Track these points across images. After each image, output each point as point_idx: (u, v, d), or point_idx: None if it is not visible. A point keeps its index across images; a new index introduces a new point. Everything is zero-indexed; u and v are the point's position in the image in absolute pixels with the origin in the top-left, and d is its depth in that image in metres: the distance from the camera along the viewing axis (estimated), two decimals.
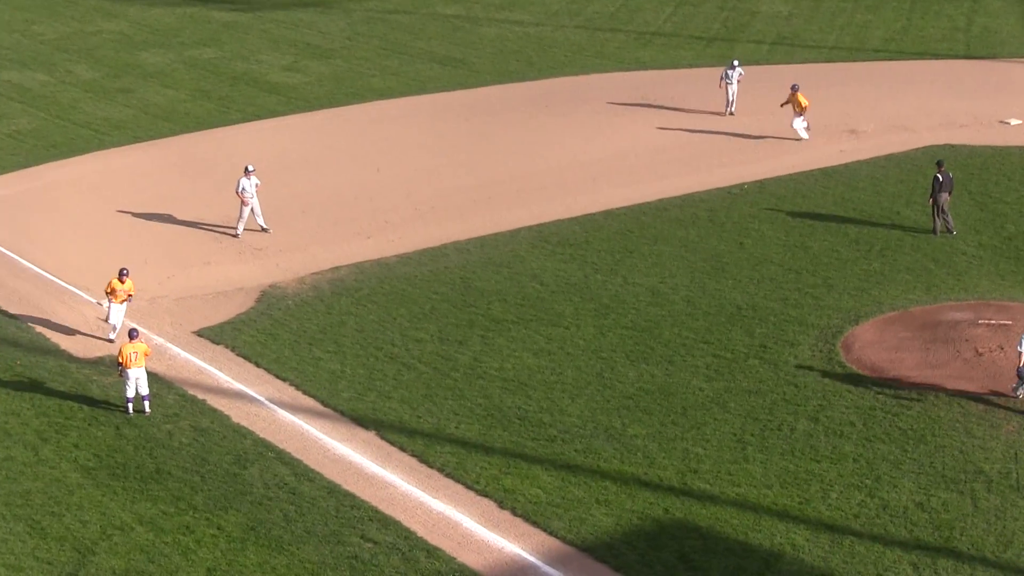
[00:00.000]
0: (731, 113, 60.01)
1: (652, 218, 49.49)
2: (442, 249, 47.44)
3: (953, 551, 29.53)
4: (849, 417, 35.29)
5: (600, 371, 38.42)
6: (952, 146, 55.51)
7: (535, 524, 31.40)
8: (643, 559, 29.93)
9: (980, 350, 37.83)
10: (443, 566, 30.00)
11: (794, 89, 56.26)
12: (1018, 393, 35.26)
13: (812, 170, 53.47)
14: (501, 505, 32.24)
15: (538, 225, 49.21)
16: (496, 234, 48.58)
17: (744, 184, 52.33)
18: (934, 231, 46.55)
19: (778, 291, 43.04)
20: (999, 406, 35.33)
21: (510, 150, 57.73)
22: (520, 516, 31.76)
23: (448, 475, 33.49)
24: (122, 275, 40.37)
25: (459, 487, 32.97)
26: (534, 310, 42.42)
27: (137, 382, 36.08)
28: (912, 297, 42.19)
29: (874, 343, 39.24)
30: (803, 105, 55.94)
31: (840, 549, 29.96)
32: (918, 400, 35.91)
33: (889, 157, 54.69)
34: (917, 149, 55.46)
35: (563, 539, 30.82)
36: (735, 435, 34.74)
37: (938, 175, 46.47)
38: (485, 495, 32.65)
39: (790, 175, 53.08)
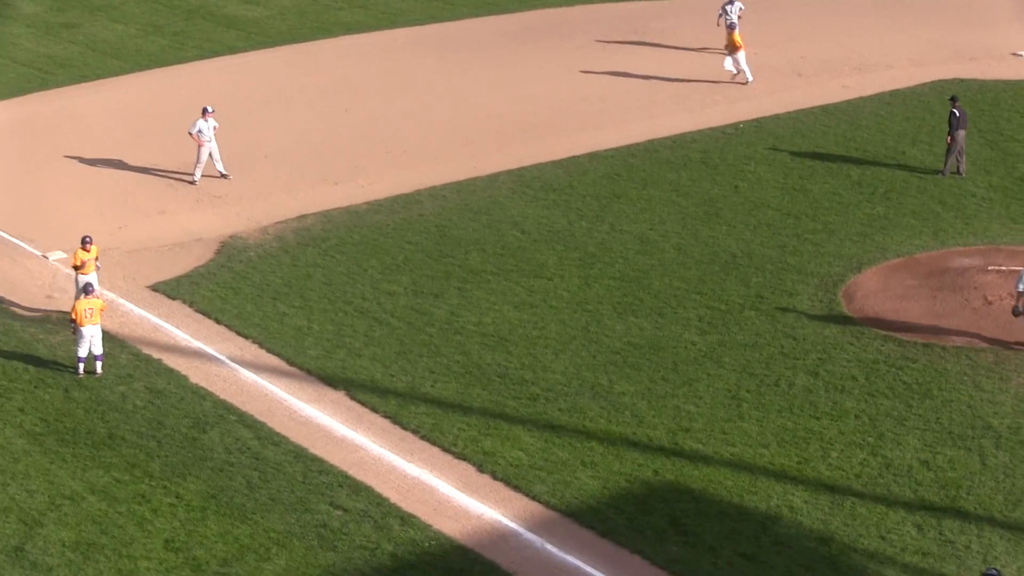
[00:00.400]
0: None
1: (641, 160, 49.60)
2: (416, 195, 47.47)
3: (959, 511, 29.87)
4: (851, 371, 35.57)
5: (586, 325, 38.63)
6: (962, 80, 55.61)
7: (516, 488, 31.65)
8: (632, 524, 30.23)
9: (990, 298, 38.13)
10: (418, 534, 30.25)
11: (731, 28, 56.04)
12: None
13: (812, 107, 53.58)
14: (480, 468, 32.48)
15: (519, 169, 49.23)
16: (474, 179, 48.60)
17: (740, 123, 52.45)
18: (943, 171, 46.77)
19: (775, 238, 43.25)
20: (1009, 357, 35.64)
21: (488, 89, 57.68)
22: (500, 480, 32.01)
23: (423, 437, 33.72)
24: (85, 243, 39.17)
25: (435, 450, 33.20)
26: (515, 260, 42.57)
27: (91, 341, 36.22)
28: (918, 243, 42.44)
29: (877, 292, 39.51)
30: (738, 45, 55.70)
31: (840, 511, 30.28)
32: (924, 352, 36.20)
33: (894, 93, 54.81)
34: (924, 84, 55.58)
35: (546, 504, 31.09)
36: (729, 391, 35.01)
37: (954, 110, 46.63)
38: (463, 458, 32.88)
39: (788, 113, 53.19)
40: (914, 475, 31.30)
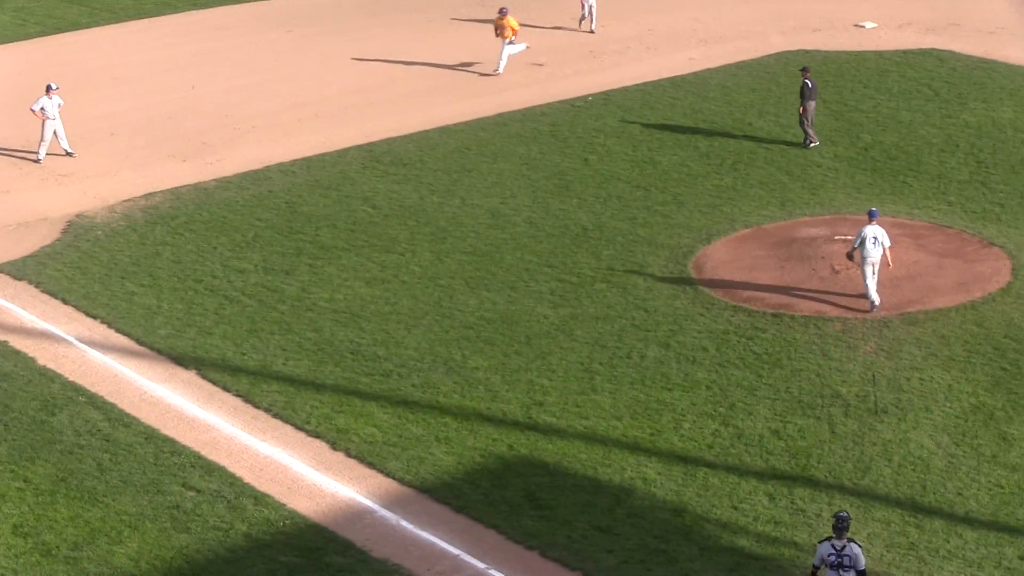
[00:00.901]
0: (591, 31, 59.33)
1: (491, 134, 49.59)
2: (265, 172, 47.13)
3: (810, 479, 30.20)
4: (702, 342, 35.83)
5: (438, 300, 38.54)
6: (806, 51, 56.27)
7: (371, 465, 31.51)
8: (487, 498, 30.21)
9: (836, 267, 38.57)
10: (272, 513, 29.99)
11: (502, 12, 54.93)
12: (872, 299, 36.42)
13: (660, 80, 53.91)
14: (334, 446, 32.29)
15: (368, 144, 49.06)
16: (323, 154, 48.36)
17: (588, 96, 52.61)
18: (808, 141, 47.17)
19: (626, 210, 43.44)
20: (857, 326, 36.11)
21: (337, 63, 57.36)
22: (354, 457, 31.84)
23: (276, 415, 33.44)
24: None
25: (288, 428, 32.94)
26: (366, 236, 42.37)
27: None
28: (766, 213, 42.85)
29: (727, 263, 39.82)
30: (514, 29, 54.74)
31: (693, 481, 30.48)
32: (773, 322, 36.56)
33: (740, 64, 55.33)
34: (769, 55, 56.17)
35: (401, 480, 30.97)
36: (582, 364, 35.10)
37: (806, 81, 47.06)
38: (316, 436, 32.67)
39: (637, 86, 53.46)
40: (765, 445, 31.60)
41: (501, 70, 54.91)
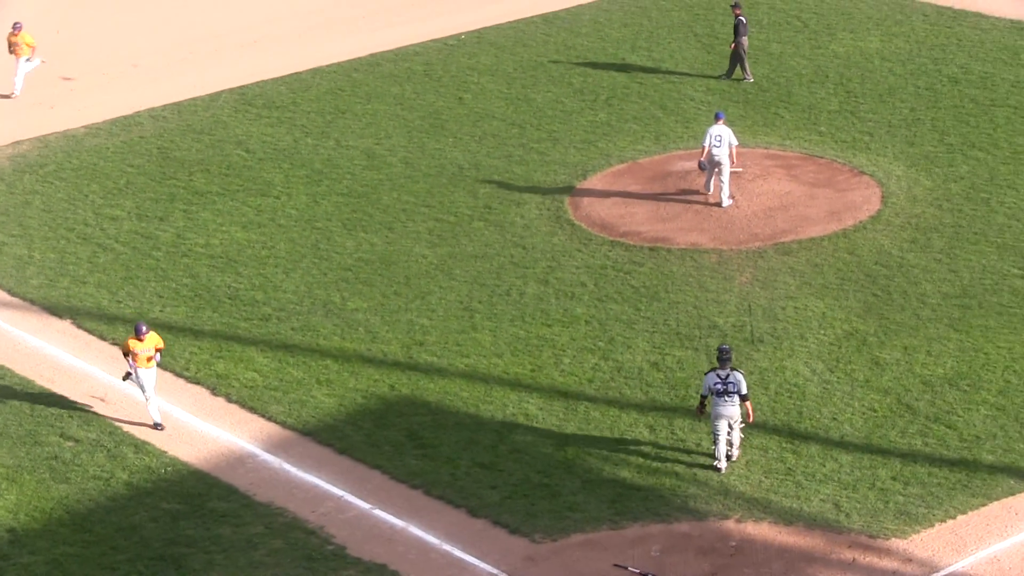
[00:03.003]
0: None
1: (364, 75, 49.36)
2: (135, 117, 46.65)
3: (689, 410, 30.50)
4: (580, 278, 36.03)
5: (315, 242, 38.42)
6: None
7: (252, 410, 31.46)
8: (369, 439, 30.27)
9: (711, 200, 38.91)
10: (153, 461, 29.88)
11: (16, 28, 48.13)
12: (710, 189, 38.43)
13: (533, 17, 53.80)
14: (214, 392, 32.19)
15: (240, 87, 48.66)
16: (194, 99, 47.90)
17: (461, 35, 52.46)
18: (735, 76, 47.28)
19: (501, 148, 43.47)
20: (732, 258, 36.49)
21: (206, 3, 56.73)
22: (235, 402, 31.78)
23: None
24: (140, 333, 30.82)
25: (167, 375, 32.70)
26: (240, 180, 42.10)
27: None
28: (641, 148, 43.06)
29: (603, 198, 40.01)
30: (31, 45, 48.23)
31: (575, 416, 30.73)
32: (650, 256, 36.83)
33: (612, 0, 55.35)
34: None
35: (283, 424, 30.96)
36: (462, 303, 35.19)
37: (741, 18, 47.00)
38: (196, 382, 32.56)
39: (510, 23, 53.35)
40: (644, 377, 31.89)
41: (19, 92, 48.49)
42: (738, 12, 47.36)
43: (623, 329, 33.74)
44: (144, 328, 30.85)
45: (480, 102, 46.83)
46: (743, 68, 47.31)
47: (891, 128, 43.34)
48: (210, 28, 54.33)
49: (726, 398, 28.45)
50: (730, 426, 28.70)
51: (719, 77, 47.49)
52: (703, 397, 28.75)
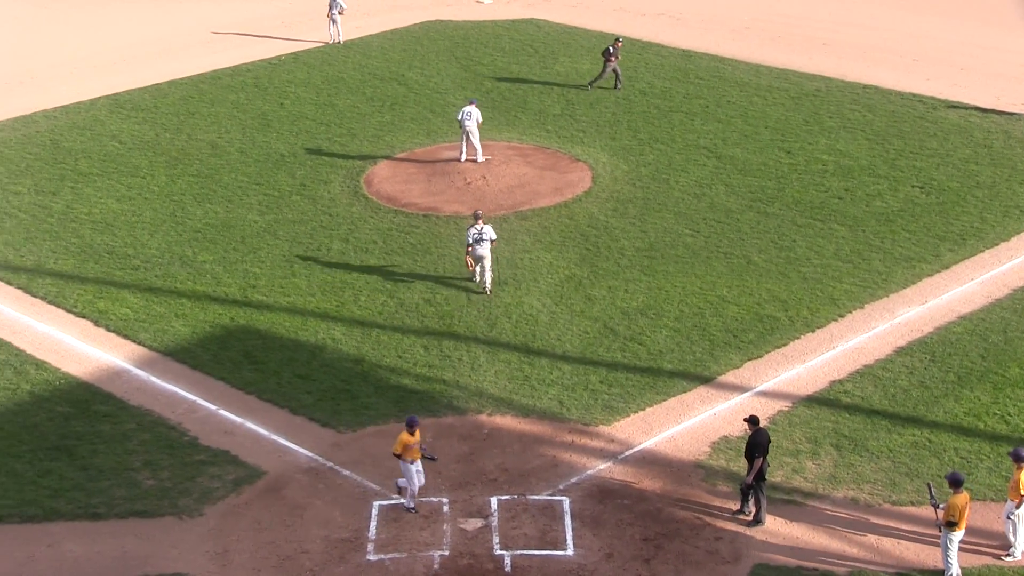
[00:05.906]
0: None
1: (209, 86, 48.30)
2: (32, 117, 45.11)
3: (454, 334, 30.69)
4: (372, 237, 35.87)
5: (173, 211, 37.58)
6: (442, 21, 56.31)
7: (126, 337, 30.76)
8: (215, 358, 29.84)
9: (468, 180, 39.02)
10: (50, 376, 29.08)
11: None
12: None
13: (336, 43, 53.17)
14: (96, 323, 31.38)
15: (114, 94, 47.32)
16: (78, 103, 46.46)
17: (282, 56, 51.70)
18: (617, 86, 46.61)
19: (313, 141, 42.97)
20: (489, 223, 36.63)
21: (88, 29, 54.90)
22: (113, 331, 31.03)
23: (50, 302, 32.29)
24: (412, 426, 24.21)
25: (60, 311, 31.85)
26: (115, 164, 40.94)
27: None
28: (416, 141, 42.90)
29: (389, 178, 39.86)
30: None
31: (369, 339, 30.67)
32: (424, 221, 36.81)
33: (394, 31, 55.01)
34: (415, 24, 55.99)
35: (149, 347, 30.34)
36: (284, 256, 34.79)
37: (610, 47, 46.63)
38: (83, 316, 31.70)
39: (318, 48, 52.68)
40: (420, 311, 31.92)
41: None
42: (619, 44, 46.83)
43: (404, 275, 33.71)
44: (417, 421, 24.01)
45: (297, 106, 46.18)
46: (613, 77, 46.84)
47: (599, 127, 43.91)
48: (91, 48, 52.67)
49: (481, 244, 31.41)
50: (483, 266, 31.57)
51: (587, 85, 46.96)
52: (468, 245, 31.47)
